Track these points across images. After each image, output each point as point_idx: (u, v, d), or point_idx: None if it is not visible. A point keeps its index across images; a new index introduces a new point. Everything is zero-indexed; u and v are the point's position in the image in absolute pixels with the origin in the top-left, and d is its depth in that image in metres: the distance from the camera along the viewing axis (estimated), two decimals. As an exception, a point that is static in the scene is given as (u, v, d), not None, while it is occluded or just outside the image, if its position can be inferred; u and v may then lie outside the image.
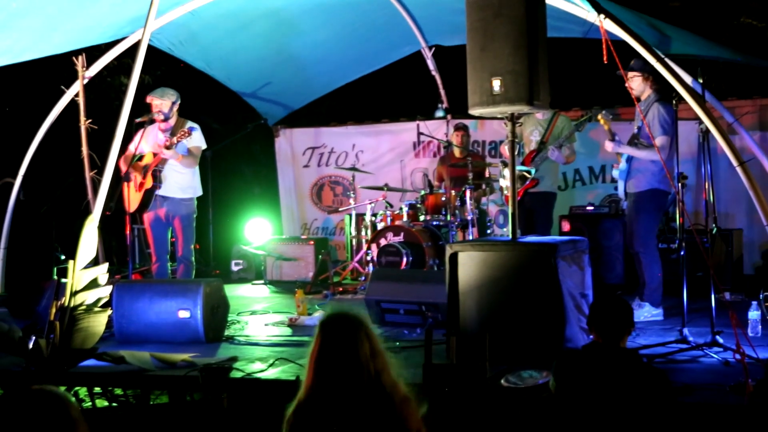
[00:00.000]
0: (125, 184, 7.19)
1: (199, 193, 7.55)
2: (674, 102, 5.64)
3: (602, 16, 5.32)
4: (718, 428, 4.00)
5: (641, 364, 3.58)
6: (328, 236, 11.01)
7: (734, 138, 6.60)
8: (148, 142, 7.30)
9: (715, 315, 5.31)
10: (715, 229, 6.94)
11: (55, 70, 8.22)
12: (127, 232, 7.04)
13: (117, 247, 9.67)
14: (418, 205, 8.76)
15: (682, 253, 5.57)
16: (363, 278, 8.86)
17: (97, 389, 5.20)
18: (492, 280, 5.06)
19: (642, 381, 3.37)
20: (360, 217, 9.51)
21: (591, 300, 5.34)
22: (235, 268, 10.35)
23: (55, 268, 9.08)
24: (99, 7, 7.05)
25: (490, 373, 4.34)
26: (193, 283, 6.46)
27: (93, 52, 7.93)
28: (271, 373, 4.95)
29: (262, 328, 6.72)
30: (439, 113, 10.48)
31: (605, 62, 5.21)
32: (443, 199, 8.64)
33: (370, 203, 9.26)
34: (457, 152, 9.23)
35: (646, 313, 6.49)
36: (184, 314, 6.00)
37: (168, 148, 7.08)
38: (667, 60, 5.33)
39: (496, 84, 5.00)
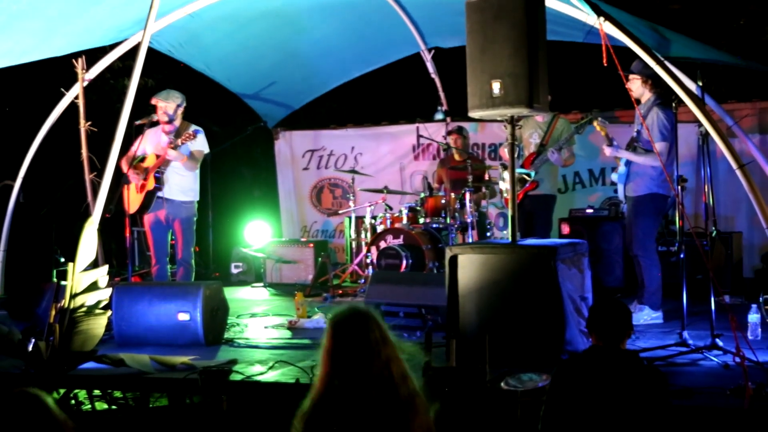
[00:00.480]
0: (126, 186, 7.19)
1: (198, 197, 7.55)
2: (674, 105, 5.64)
3: (602, 18, 5.33)
4: (717, 431, 4.00)
5: (641, 366, 3.57)
6: (328, 239, 11.01)
7: (734, 141, 6.61)
8: (150, 143, 7.31)
9: (715, 318, 5.30)
10: (714, 232, 6.94)
11: (55, 72, 8.23)
12: (127, 234, 7.04)
13: (116, 250, 9.67)
14: (418, 208, 8.76)
15: (681, 256, 5.57)
16: (362, 281, 8.86)
17: (97, 392, 5.21)
18: (492, 282, 5.07)
19: (642, 383, 3.36)
20: (359, 219, 9.51)
21: (591, 303, 5.34)
22: (234, 271, 10.35)
23: (55, 271, 9.08)
24: (99, 9, 7.05)
25: (490, 375, 4.33)
26: (192, 285, 6.46)
27: (94, 54, 7.94)
28: (271, 376, 4.95)
29: (262, 330, 6.71)
30: (439, 116, 10.49)
31: (605, 65, 5.22)
32: (443, 201, 8.64)
33: (369, 206, 9.26)
34: (456, 155, 9.23)
35: (645, 316, 6.48)
36: (183, 317, 5.99)
37: (173, 148, 7.09)
38: (666, 63, 5.34)
39: (496, 86, 5.01)
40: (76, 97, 7.81)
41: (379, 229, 8.85)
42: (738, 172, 5.22)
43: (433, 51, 10.39)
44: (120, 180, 7.01)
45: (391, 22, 9.33)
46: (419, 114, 10.42)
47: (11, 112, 10.77)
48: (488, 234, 8.84)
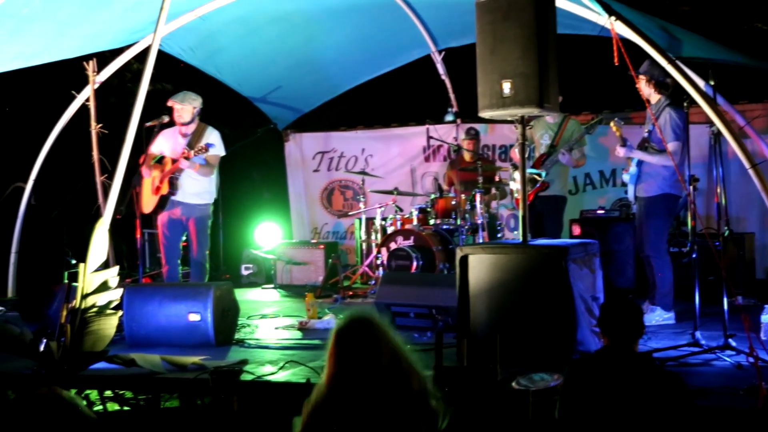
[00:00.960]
0: (136, 187, 7.19)
1: (215, 197, 7.56)
2: (685, 105, 5.62)
3: (613, 18, 5.31)
4: (731, 431, 3.98)
5: (655, 368, 3.56)
6: (339, 240, 11.01)
7: (746, 141, 6.57)
8: (168, 144, 7.33)
9: (728, 319, 5.27)
10: (727, 232, 6.90)
11: (66, 74, 8.26)
12: (138, 236, 7.05)
13: (127, 252, 9.69)
14: (428, 209, 8.75)
15: (693, 256, 5.54)
16: (373, 282, 8.85)
17: (108, 393, 5.21)
18: (502, 282, 5.05)
19: (657, 384, 3.34)
20: (370, 221, 9.51)
21: (602, 303, 5.31)
22: (245, 273, 10.36)
23: (66, 272, 9.11)
24: (109, 12, 7.08)
25: (501, 375, 4.32)
26: (203, 286, 6.47)
27: (105, 57, 7.97)
28: (282, 376, 4.95)
29: (272, 331, 6.71)
30: (449, 117, 10.49)
31: (616, 64, 5.20)
32: (453, 203, 8.63)
33: (379, 207, 9.26)
34: (467, 156, 9.22)
35: (657, 317, 6.45)
36: (194, 317, 5.99)
37: (186, 159, 7.10)
38: (678, 63, 5.31)
39: (506, 86, 4.99)
40: (87, 100, 7.85)
41: (390, 230, 8.85)
42: (750, 172, 5.20)
43: (443, 53, 10.38)
44: (131, 182, 7.02)
45: (402, 24, 9.35)
46: (429, 115, 10.42)
47: (23, 115, 10.81)
48: (499, 235, 8.82)
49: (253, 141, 11.04)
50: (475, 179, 8.53)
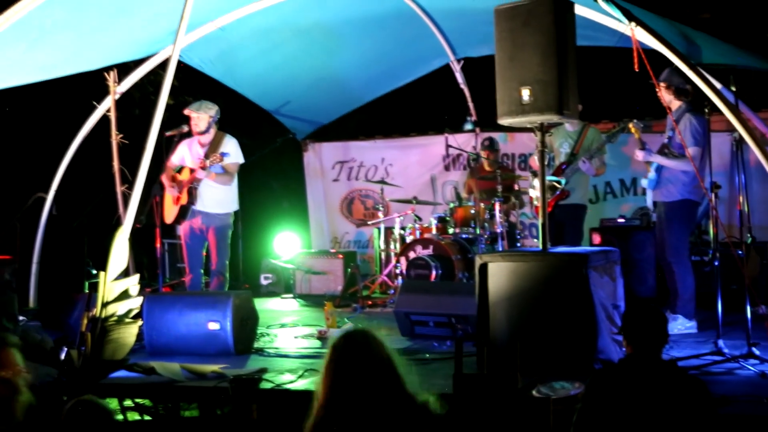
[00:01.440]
0: (156, 197, 7.22)
1: (236, 207, 7.57)
2: (706, 112, 5.58)
3: (633, 24, 5.27)
4: (755, 440, 3.93)
5: (681, 376, 3.50)
6: (361, 249, 11.01)
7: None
8: (187, 155, 7.37)
9: (751, 327, 5.22)
10: (750, 239, 6.84)
11: (87, 85, 8.32)
12: (158, 245, 7.07)
13: (148, 262, 9.72)
14: (447, 218, 8.74)
15: (716, 264, 5.49)
16: (392, 291, 8.83)
17: (128, 402, 5.22)
18: (522, 290, 5.02)
19: (683, 392, 3.29)
20: (389, 230, 9.50)
21: (623, 311, 5.27)
22: (264, 282, 10.38)
23: (87, 282, 9.15)
24: (131, 22, 7.13)
25: (522, 383, 4.29)
26: (222, 295, 6.48)
27: (125, 68, 8.02)
28: (301, 384, 4.94)
29: (292, 340, 6.72)
30: (468, 126, 10.48)
31: (636, 70, 5.17)
32: (472, 212, 8.61)
33: (398, 216, 9.25)
34: (486, 165, 9.20)
35: (679, 325, 6.39)
36: (213, 326, 6.00)
37: (203, 168, 7.13)
38: (699, 68, 5.27)
39: (525, 93, 4.98)
40: (108, 110, 7.90)
41: (409, 239, 8.84)
42: (773, 179, 5.14)
43: (462, 62, 10.38)
44: (151, 191, 7.06)
45: (421, 34, 9.37)
46: (448, 125, 10.40)
47: (44, 125, 10.89)
48: (518, 245, 8.78)
49: (272, 150, 11.06)
50: (495, 188, 8.51)
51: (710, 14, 11.86)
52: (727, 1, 11.97)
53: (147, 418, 5.24)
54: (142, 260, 9.40)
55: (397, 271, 8.65)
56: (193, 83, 10.05)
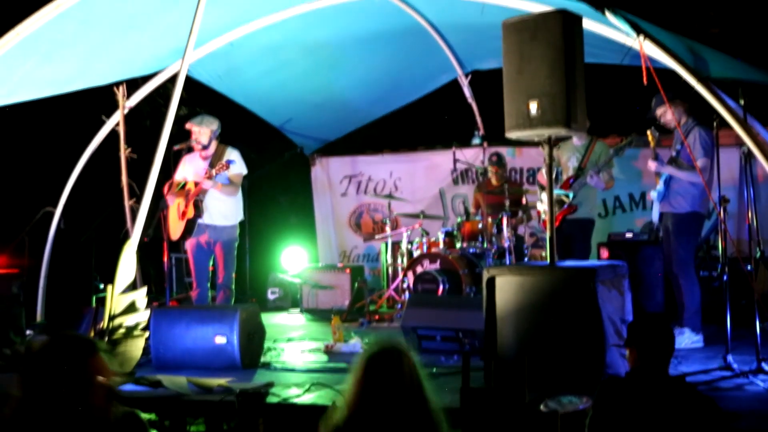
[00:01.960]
0: (164, 211, 7.22)
1: (241, 218, 7.59)
2: (715, 125, 5.58)
3: (642, 37, 5.27)
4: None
5: (689, 391, 3.47)
6: (371, 263, 11.00)
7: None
8: (191, 168, 7.37)
9: (760, 342, 5.18)
10: (759, 253, 6.81)
11: (95, 99, 8.35)
12: (165, 259, 7.07)
13: (155, 276, 9.73)
14: (455, 233, 8.73)
15: (725, 278, 5.46)
16: (399, 306, 8.81)
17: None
18: (530, 304, 5.00)
19: (691, 408, 3.26)
20: (396, 244, 9.49)
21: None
22: (271, 297, 10.36)
23: (94, 297, 9.16)
24: (141, 37, 7.17)
25: (529, 397, 4.26)
26: (229, 309, 6.47)
27: (134, 82, 8.05)
28: (308, 399, 4.92)
29: (299, 354, 6.70)
30: (476, 140, 10.47)
31: (645, 84, 5.16)
32: (480, 226, 8.60)
33: (406, 231, 9.24)
34: (493, 179, 9.19)
35: (686, 339, 6.37)
36: (220, 340, 5.99)
37: (208, 178, 7.14)
38: (708, 82, 5.26)
39: (533, 106, 4.97)
40: (117, 125, 7.93)
41: (416, 254, 8.82)
42: (782, 193, 5.12)
43: (470, 76, 10.40)
44: (158, 205, 7.06)
45: (429, 50, 9.40)
46: (456, 139, 10.41)
47: (53, 139, 10.94)
48: (525, 259, 8.76)
49: (280, 165, 11.10)
50: (502, 202, 8.50)
51: (719, 29, 11.85)
52: (735, 17, 11.97)
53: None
54: (149, 274, 9.40)
55: (405, 285, 8.63)
56: (202, 96, 10.08)
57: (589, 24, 5.82)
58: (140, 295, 5.46)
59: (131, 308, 5.38)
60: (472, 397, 4.23)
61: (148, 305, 5.82)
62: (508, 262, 8.27)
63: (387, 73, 9.75)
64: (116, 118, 8.04)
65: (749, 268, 5.77)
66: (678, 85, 5.64)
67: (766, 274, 7.62)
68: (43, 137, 10.97)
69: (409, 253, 9.05)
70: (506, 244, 8.33)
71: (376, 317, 8.71)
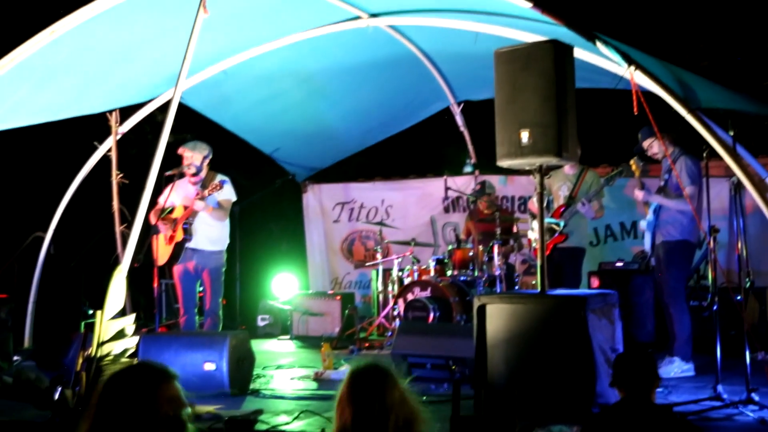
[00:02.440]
0: (154, 237, 7.21)
1: (227, 242, 7.56)
2: (704, 155, 5.61)
3: (633, 67, 5.32)
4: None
5: (675, 420, 3.48)
6: (364, 290, 10.98)
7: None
8: (178, 194, 7.36)
9: (750, 372, 5.18)
10: (749, 284, 6.83)
11: (87, 125, 8.36)
12: (155, 285, 7.04)
13: (145, 303, 9.69)
14: (446, 260, 8.73)
15: (714, 308, 5.47)
16: (389, 333, 8.79)
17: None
18: (520, 333, 4.99)
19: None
20: (387, 272, 9.48)
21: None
22: (261, 323, 10.31)
23: (83, 323, 9.11)
24: (135, 66, 7.19)
25: (519, 427, 4.24)
26: (219, 335, 6.44)
27: (127, 108, 8.07)
28: (297, 426, 4.90)
29: (288, 381, 6.66)
30: (468, 168, 10.51)
31: (635, 113, 5.20)
32: (471, 254, 8.60)
33: (397, 258, 9.25)
34: (484, 208, 9.22)
35: (676, 368, 6.37)
36: (209, 366, 5.96)
37: (200, 199, 7.12)
38: (698, 112, 5.30)
39: (525, 135, 4.99)
40: (109, 150, 7.93)
41: (407, 281, 8.82)
42: (772, 222, 5.14)
43: (462, 105, 10.46)
44: (149, 230, 7.04)
45: (422, 79, 9.45)
46: (448, 167, 10.45)
47: (44, 164, 10.94)
48: (516, 288, 8.76)
49: (272, 191, 11.11)
50: (493, 230, 8.52)
51: (708, 62, 11.97)
52: (725, 50, 12.10)
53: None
54: (139, 300, 9.37)
55: (395, 312, 8.62)
56: (193, 122, 10.11)
57: (581, 53, 5.88)
58: (129, 321, 5.43)
59: (120, 334, 5.34)
60: (463, 426, 4.20)
61: (137, 331, 5.78)
62: (498, 290, 8.26)
63: (380, 102, 9.80)
64: (108, 144, 8.05)
65: (739, 298, 5.78)
66: (666, 114, 5.69)
67: (756, 305, 7.64)
68: (34, 162, 10.97)
69: (400, 280, 9.04)
70: (497, 272, 8.33)
71: (366, 344, 8.69)
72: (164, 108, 8.03)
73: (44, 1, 9.51)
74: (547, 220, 7.44)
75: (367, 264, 10.18)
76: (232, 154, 11.07)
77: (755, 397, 5.05)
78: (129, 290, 5.72)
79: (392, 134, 11.01)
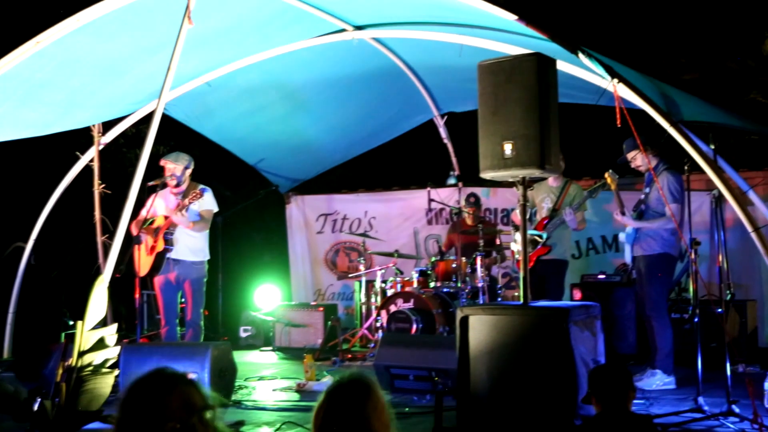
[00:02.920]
0: (136, 247, 7.17)
1: (208, 256, 7.53)
2: (686, 168, 5.65)
3: (615, 80, 5.35)
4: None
5: (654, 430, 3.50)
6: (347, 302, 10.97)
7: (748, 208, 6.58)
8: (160, 205, 7.33)
9: (731, 385, 5.20)
10: (729, 296, 6.87)
11: (69, 135, 8.32)
12: (137, 296, 7.00)
13: (126, 314, 9.63)
14: (429, 272, 8.73)
15: (695, 320, 5.50)
16: (372, 345, 8.77)
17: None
18: (503, 344, 4.99)
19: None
20: (370, 283, 9.47)
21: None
22: (243, 335, 10.27)
23: (63, 333, 9.04)
24: (122, 82, 7.16)
25: (502, 438, 4.25)
26: (200, 346, 6.41)
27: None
28: (278, 438, 4.87)
29: (270, 393, 6.64)
30: (451, 180, 10.54)
31: (618, 126, 5.23)
32: (454, 266, 8.61)
33: (380, 270, 9.24)
34: (468, 219, 9.24)
35: (657, 381, 6.39)
36: (191, 377, 5.91)
37: (180, 209, 7.09)
38: (680, 125, 5.34)
39: (508, 148, 5.00)
40: (92, 161, 7.90)
41: (390, 293, 8.81)
42: (753, 235, 5.18)
43: (446, 117, 10.49)
44: (131, 241, 7.00)
45: (405, 91, 9.48)
46: (431, 179, 10.47)
47: (25, 174, 10.86)
48: (499, 300, 8.77)
49: (255, 203, 11.09)
50: (477, 242, 8.53)
51: (691, 75, 12.06)
52: (709, 64, 12.20)
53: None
54: (120, 311, 9.31)
55: (378, 324, 8.61)
56: (175, 132, 10.10)
57: (564, 66, 5.91)
58: (110, 332, 5.39)
59: (100, 345, 5.30)
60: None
61: (119, 342, 5.74)
62: (481, 301, 8.27)
63: (364, 114, 9.82)
64: (91, 154, 8.01)
65: (720, 310, 5.82)
66: (649, 128, 5.73)
67: (737, 317, 7.68)
68: (15, 171, 10.89)
69: (383, 291, 9.04)
70: (480, 284, 8.34)
71: (349, 356, 8.67)
72: (144, 121, 8.04)
73: (29, 12, 9.48)
74: (530, 232, 7.46)
75: (350, 275, 10.17)
76: (216, 166, 11.05)
77: (736, 409, 5.06)
78: (110, 301, 5.68)
79: (376, 146, 11.04)
